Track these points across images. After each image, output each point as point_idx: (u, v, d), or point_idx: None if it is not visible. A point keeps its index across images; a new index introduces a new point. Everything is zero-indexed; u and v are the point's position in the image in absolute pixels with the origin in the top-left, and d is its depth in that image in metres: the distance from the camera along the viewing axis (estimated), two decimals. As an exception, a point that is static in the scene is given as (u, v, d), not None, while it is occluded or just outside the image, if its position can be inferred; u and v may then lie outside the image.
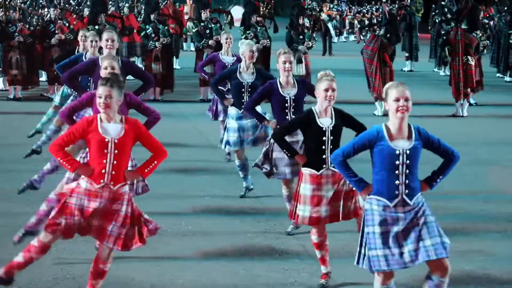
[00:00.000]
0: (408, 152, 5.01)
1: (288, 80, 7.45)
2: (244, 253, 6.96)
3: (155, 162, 5.55)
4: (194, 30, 17.64)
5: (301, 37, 16.52)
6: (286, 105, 7.35)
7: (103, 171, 5.39)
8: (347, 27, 37.98)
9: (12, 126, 13.34)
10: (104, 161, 5.38)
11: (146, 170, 5.54)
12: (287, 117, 7.36)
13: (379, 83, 14.87)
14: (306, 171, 6.14)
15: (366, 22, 35.33)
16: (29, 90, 16.96)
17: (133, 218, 5.49)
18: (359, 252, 5.12)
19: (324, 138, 6.05)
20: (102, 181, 5.40)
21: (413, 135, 5.07)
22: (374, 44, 15.05)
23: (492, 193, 9.26)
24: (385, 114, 14.99)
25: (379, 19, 22.52)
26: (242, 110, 8.50)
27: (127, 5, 21.84)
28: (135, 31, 19.18)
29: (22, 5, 19.12)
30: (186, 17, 22.88)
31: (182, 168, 10.24)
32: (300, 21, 16.88)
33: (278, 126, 7.17)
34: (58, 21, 16.53)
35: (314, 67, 17.64)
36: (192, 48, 24.16)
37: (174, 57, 20.76)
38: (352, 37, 37.55)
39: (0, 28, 16.31)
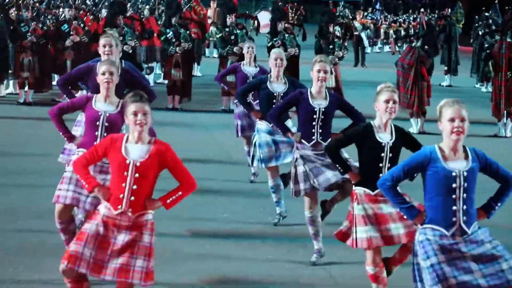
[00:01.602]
0: (465, 174, 4.90)
1: (320, 90, 7.38)
2: (266, 282, 6.88)
3: (180, 193, 5.37)
4: (218, 36, 17.71)
5: (331, 46, 16.52)
6: (314, 116, 7.26)
7: (121, 196, 5.26)
8: (382, 37, 37.90)
9: (22, 132, 13.43)
10: (123, 184, 5.26)
11: (168, 201, 5.36)
12: (313, 130, 7.28)
13: (415, 98, 14.83)
14: (359, 190, 5.99)
15: (403, 32, 35.24)
16: (40, 94, 17.07)
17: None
18: None
19: (382, 154, 5.92)
20: (119, 207, 5.28)
21: (469, 156, 4.97)
22: (410, 56, 15.02)
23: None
24: (421, 132, 15.04)
25: (417, 30, 22.46)
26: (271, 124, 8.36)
27: (147, 7, 21.95)
28: (155, 34, 19.28)
29: (37, 4, 19.29)
30: (209, 21, 22.96)
31: (201, 187, 10.22)
32: (330, 29, 16.88)
33: (333, 139, 6.76)
34: (73, 22, 16.66)
35: (345, 79, 17.65)
36: (215, 55, 24.22)
37: (196, 63, 20.83)
38: (386, 48, 37.48)
39: (12, 28, 16.46)
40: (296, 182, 7.23)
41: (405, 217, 5.50)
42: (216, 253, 7.52)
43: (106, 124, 6.41)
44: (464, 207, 4.91)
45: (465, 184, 4.90)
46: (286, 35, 17.02)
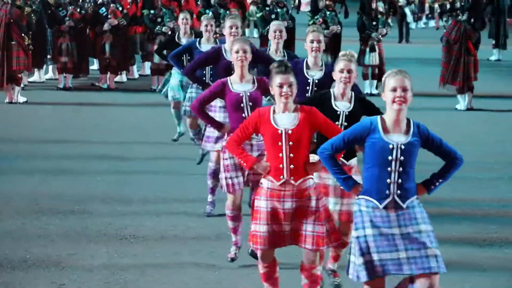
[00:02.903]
0: (403, 147, 4.88)
1: (316, 61, 7.30)
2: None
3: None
4: (258, 15, 17.69)
5: (374, 23, 16.39)
6: (308, 88, 7.22)
7: (281, 166, 5.38)
8: (427, 12, 37.54)
9: (63, 118, 13.59)
10: (280, 154, 5.38)
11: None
12: None
13: (462, 75, 14.66)
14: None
15: (448, 6, 34.86)
16: (79, 79, 17.25)
17: (324, 212, 5.46)
18: (349, 261, 4.99)
19: (337, 122, 5.99)
20: (281, 177, 5.40)
21: (411, 130, 4.93)
22: (456, 31, 14.84)
23: None
24: (469, 109, 14.89)
25: (462, 3, 22.19)
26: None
27: (185, -13, 21.97)
28: (194, 16, 19.30)
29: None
30: (249, 0, 22.93)
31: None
32: (373, 5, 16.75)
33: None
34: (111, 5, 16.76)
35: (388, 56, 17.53)
36: (256, 35, 24.20)
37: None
38: (432, 23, 37.12)
39: (49, 12, 16.61)
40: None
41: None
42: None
43: (250, 103, 6.60)
44: (399, 180, 4.90)
45: (402, 158, 4.88)
46: (328, 13, 16.92)
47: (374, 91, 16.30)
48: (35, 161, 10.38)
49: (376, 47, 16.25)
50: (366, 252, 4.88)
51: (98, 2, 17.39)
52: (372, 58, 16.24)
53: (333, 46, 16.66)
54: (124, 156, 10.70)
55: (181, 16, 11.47)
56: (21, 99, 14.96)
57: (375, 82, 16.40)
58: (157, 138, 11.89)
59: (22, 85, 15.42)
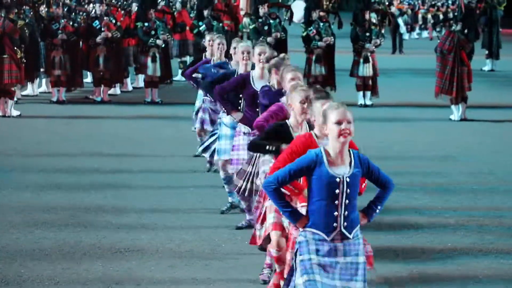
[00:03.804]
0: (348, 180, 4.89)
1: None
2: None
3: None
4: (251, 27, 17.72)
5: (367, 34, 16.45)
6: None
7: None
8: (420, 22, 37.64)
9: (56, 131, 13.58)
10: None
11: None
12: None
13: (456, 85, 14.69)
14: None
15: (441, 16, 34.98)
16: (73, 92, 17.24)
17: None
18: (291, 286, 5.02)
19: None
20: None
21: (353, 161, 4.95)
22: (449, 41, 14.89)
23: None
24: (462, 119, 14.91)
25: (455, 13, 22.28)
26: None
27: (179, 0, 22.03)
28: (187, 28, 19.35)
29: (67, 1, 19.45)
30: (242, 12, 22.98)
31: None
32: (366, 16, 16.81)
33: (255, 137, 6.81)
34: (104, 18, 16.78)
35: (382, 67, 17.56)
36: (249, 46, 24.20)
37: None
38: (425, 33, 37.22)
39: (42, 26, 16.63)
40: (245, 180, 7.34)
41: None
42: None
43: None
44: (346, 212, 4.92)
45: (348, 190, 4.90)
46: (321, 24, 16.96)
47: (368, 102, 16.33)
48: (29, 174, 10.37)
49: (370, 58, 16.29)
50: (310, 272, 4.89)
51: (91, 15, 17.41)
52: (366, 69, 16.27)
53: (326, 57, 16.70)
54: (118, 169, 10.69)
55: (217, 41, 10.11)
56: (15, 112, 14.96)
57: (368, 93, 16.43)
58: (152, 150, 11.89)
59: (15, 99, 15.41)
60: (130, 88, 18.43)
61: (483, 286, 6.61)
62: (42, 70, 17.11)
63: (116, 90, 17.66)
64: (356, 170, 4.94)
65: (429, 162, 11.37)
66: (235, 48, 9.08)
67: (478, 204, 9.19)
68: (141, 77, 18.20)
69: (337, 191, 4.89)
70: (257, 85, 7.77)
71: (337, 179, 4.89)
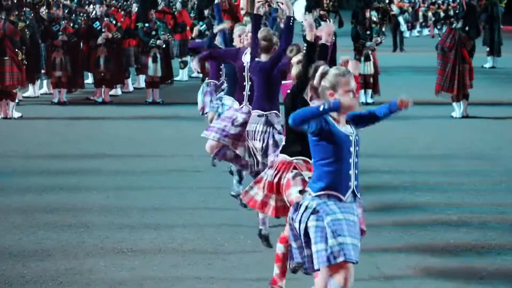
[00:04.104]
0: (357, 137, 4.99)
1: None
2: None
3: None
4: (251, 26, 17.71)
5: (368, 32, 16.45)
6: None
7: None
8: (420, 20, 37.65)
9: (58, 132, 13.59)
10: None
11: None
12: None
13: (457, 83, 14.69)
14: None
15: (442, 14, 34.98)
16: (74, 93, 17.24)
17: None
18: (310, 253, 4.93)
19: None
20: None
21: (349, 120, 5.04)
22: (450, 39, 14.89)
23: None
24: (464, 117, 14.90)
25: (456, 11, 22.26)
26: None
27: (179, 0, 22.04)
28: (188, 28, 19.35)
29: (68, 2, 19.45)
30: (242, 12, 22.99)
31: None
32: (367, 15, 16.81)
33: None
34: (105, 19, 16.78)
35: (383, 65, 17.57)
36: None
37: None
38: (425, 31, 37.22)
39: (43, 27, 16.64)
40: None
41: None
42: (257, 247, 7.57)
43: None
44: (356, 171, 4.98)
45: (357, 148, 4.97)
46: (322, 22, 16.96)
47: (370, 101, 16.33)
48: (31, 175, 10.38)
49: (371, 56, 16.30)
50: (331, 212, 4.90)
51: (92, 17, 17.42)
52: (367, 68, 16.28)
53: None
54: (120, 169, 10.70)
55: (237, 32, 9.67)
56: (16, 114, 14.97)
57: (370, 91, 16.44)
58: (153, 151, 11.90)
59: (16, 100, 15.43)
60: (131, 88, 18.45)
61: (486, 283, 6.61)
62: (43, 71, 17.12)
63: (117, 90, 17.67)
64: (353, 126, 5.03)
65: (431, 160, 11.38)
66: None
67: (481, 201, 9.20)
68: (142, 77, 18.21)
69: (351, 149, 4.93)
70: (247, 59, 8.15)
71: (350, 137, 4.95)
